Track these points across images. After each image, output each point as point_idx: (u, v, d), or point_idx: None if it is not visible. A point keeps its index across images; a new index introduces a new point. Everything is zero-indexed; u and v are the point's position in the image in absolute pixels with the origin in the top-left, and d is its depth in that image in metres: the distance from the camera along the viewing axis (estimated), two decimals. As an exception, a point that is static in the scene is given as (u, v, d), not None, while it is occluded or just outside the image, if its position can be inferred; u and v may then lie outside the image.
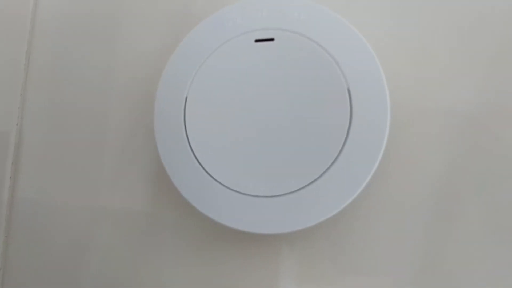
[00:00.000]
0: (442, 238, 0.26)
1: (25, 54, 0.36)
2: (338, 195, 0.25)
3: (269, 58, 0.27)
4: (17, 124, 0.36)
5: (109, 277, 0.32)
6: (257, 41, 0.27)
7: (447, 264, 0.26)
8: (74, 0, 0.35)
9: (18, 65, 0.36)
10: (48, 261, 0.34)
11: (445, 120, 0.27)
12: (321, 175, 0.25)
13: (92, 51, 0.34)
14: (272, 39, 0.27)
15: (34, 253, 0.34)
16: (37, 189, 0.35)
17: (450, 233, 0.26)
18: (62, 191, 0.34)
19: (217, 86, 0.28)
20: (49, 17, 0.36)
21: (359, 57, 0.25)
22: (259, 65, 0.27)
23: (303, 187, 0.25)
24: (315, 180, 0.25)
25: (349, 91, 0.25)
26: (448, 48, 0.27)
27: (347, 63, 0.25)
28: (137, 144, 0.33)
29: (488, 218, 0.25)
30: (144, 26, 0.33)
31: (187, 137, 0.28)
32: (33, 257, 0.34)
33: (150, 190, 0.32)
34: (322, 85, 0.26)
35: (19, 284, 0.35)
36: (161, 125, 0.29)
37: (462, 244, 0.26)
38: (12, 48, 0.35)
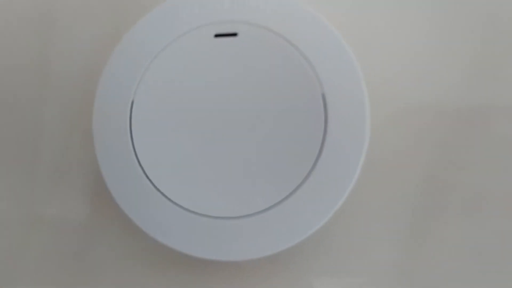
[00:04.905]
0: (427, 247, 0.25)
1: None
2: (313, 213, 0.22)
3: (230, 56, 0.23)
4: None
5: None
6: (217, 36, 0.23)
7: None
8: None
9: None
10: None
11: (430, 118, 0.24)
12: (293, 191, 0.22)
13: (22, 45, 0.29)
14: (235, 34, 0.23)
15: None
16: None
17: (433, 242, 0.24)
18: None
19: (170, 88, 0.23)
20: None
21: (335, 58, 0.22)
22: (219, 64, 0.23)
23: (272, 206, 0.22)
24: (286, 197, 0.22)
25: (323, 96, 0.22)
26: (434, 39, 0.25)
27: (322, 64, 0.22)
28: (74, 152, 0.28)
29: (479, 222, 0.24)
30: (82, 14, 0.28)
31: (134, 148, 0.23)
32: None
33: (89, 203, 0.28)
34: (293, 89, 0.22)
35: None
36: (102, 133, 0.24)
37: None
38: None
